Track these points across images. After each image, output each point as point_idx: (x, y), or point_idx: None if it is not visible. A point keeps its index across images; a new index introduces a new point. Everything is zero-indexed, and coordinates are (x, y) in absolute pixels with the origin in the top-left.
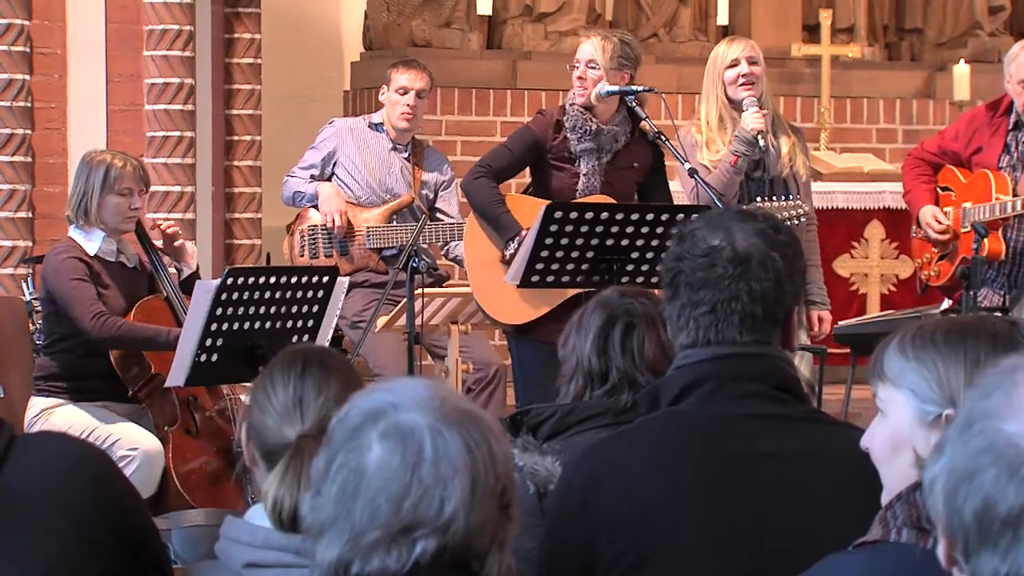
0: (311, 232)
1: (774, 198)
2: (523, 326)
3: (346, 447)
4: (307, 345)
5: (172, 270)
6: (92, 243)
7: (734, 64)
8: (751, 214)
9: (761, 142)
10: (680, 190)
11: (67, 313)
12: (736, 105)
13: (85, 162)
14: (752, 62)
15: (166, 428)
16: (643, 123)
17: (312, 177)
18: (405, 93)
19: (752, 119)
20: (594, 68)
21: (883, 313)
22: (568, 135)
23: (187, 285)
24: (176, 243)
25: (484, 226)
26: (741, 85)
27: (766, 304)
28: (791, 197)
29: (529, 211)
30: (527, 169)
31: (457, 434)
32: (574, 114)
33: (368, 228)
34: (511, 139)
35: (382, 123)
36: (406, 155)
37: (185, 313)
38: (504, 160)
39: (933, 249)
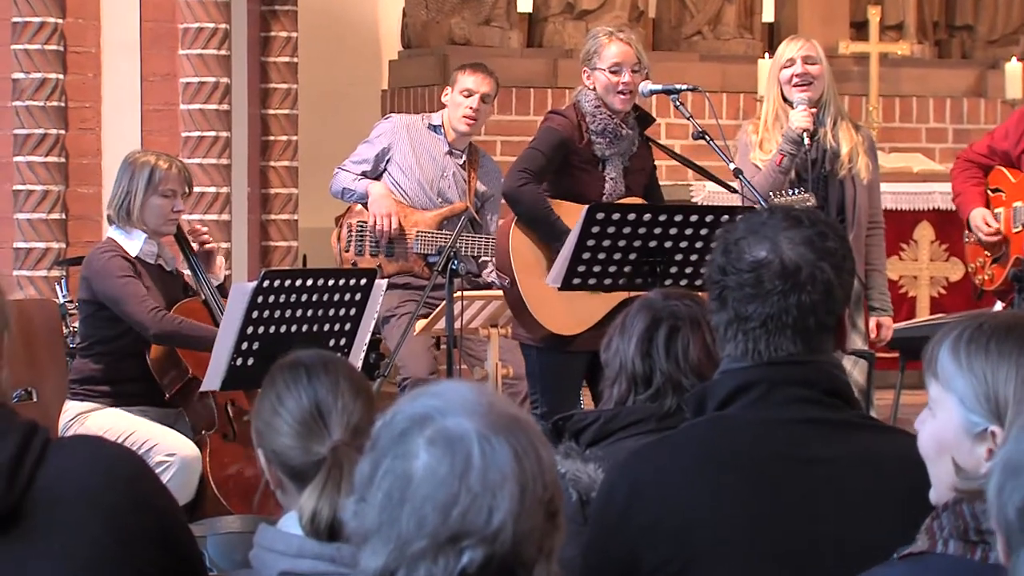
0: (359, 228)
1: (783, 192)
2: (565, 337)
3: (392, 452)
4: (299, 354)
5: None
6: (133, 243)
7: (790, 63)
8: (797, 218)
9: (807, 141)
10: (720, 191)
11: (121, 310)
12: (791, 105)
13: (128, 162)
14: (809, 62)
15: (203, 432)
16: (653, 120)
17: (363, 173)
18: (469, 96)
19: (799, 118)
20: (638, 71)
21: (933, 317)
22: (594, 139)
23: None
24: (208, 246)
25: (531, 234)
26: (795, 85)
27: (817, 315)
28: (798, 190)
29: (571, 215)
30: None
31: (505, 441)
32: (602, 118)
33: (417, 232)
34: (539, 141)
35: (441, 124)
36: (461, 161)
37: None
38: (540, 163)
39: (986, 253)
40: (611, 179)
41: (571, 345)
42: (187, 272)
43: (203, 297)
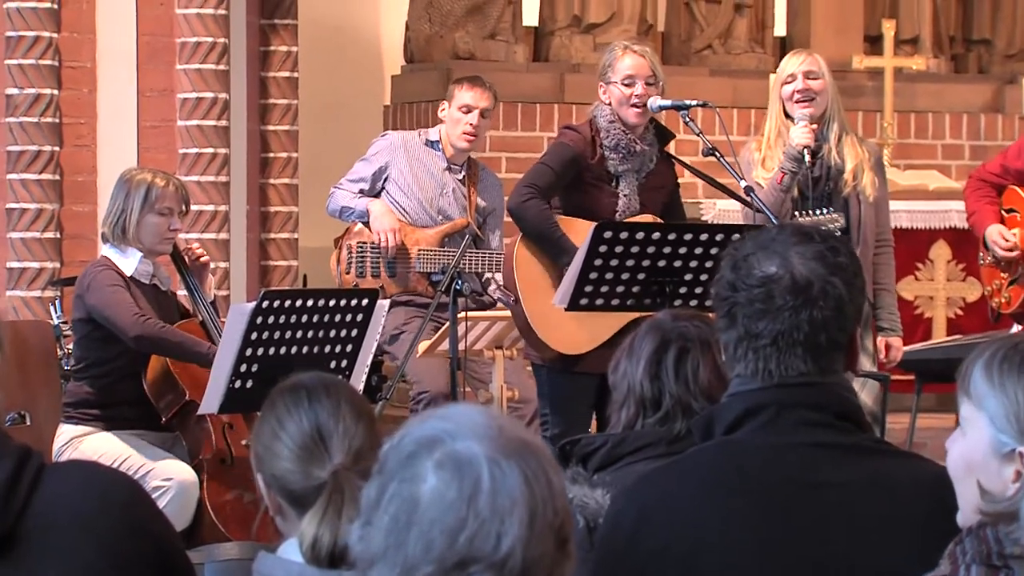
0: (360, 248)
1: (809, 212)
2: (572, 357)
3: (400, 476)
4: (300, 377)
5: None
6: (128, 262)
7: (791, 79)
8: (807, 234)
9: (808, 158)
10: (735, 208)
11: (105, 316)
12: (794, 121)
13: (124, 180)
14: (811, 76)
15: (200, 457)
16: (672, 137)
17: (361, 192)
18: (468, 111)
19: (799, 134)
20: (652, 84)
21: (950, 338)
22: (607, 154)
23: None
24: (203, 259)
25: (536, 251)
26: (797, 101)
27: (829, 332)
28: (829, 210)
29: (579, 233)
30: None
31: (515, 465)
32: (616, 133)
33: (419, 251)
34: (550, 156)
35: (439, 140)
36: (461, 176)
37: (220, 337)
38: (549, 179)
39: (1002, 275)
40: (624, 196)
41: (578, 366)
42: (183, 293)
43: (200, 318)
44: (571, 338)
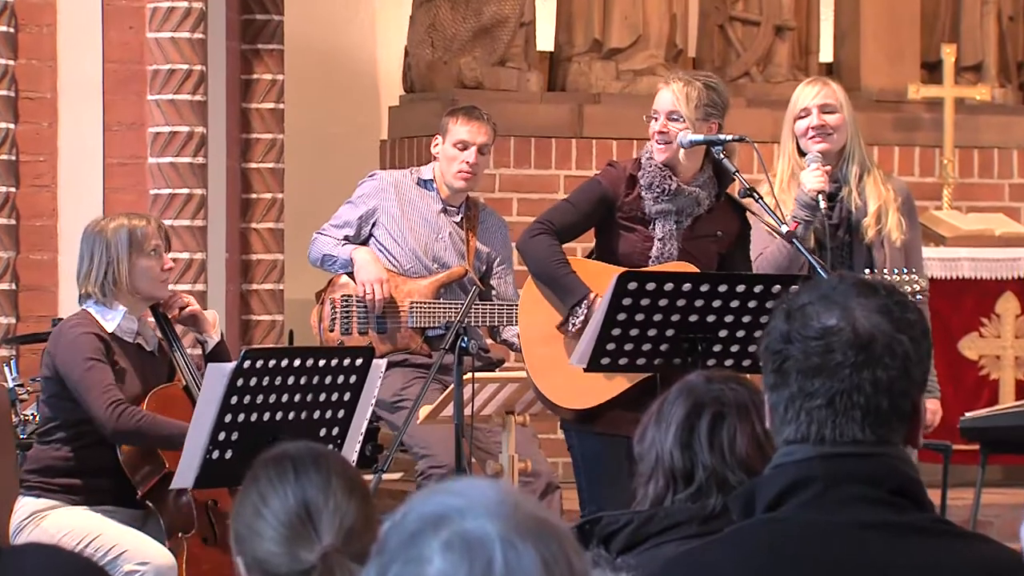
0: (344, 303)
1: (885, 271)
2: (586, 413)
3: (403, 557)
4: (285, 447)
5: (194, 350)
6: (111, 320)
7: (804, 113)
8: (871, 286)
9: (823, 204)
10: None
11: (80, 398)
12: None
13: (94, 232)
14: (827, 110)
15: (179, 535)
16: (733, 179)
17: (346, 238)
18: (465, 148)
19: (811, 179)
20: (676, 120)
21: (1019, 403)
22: (643, 193)
23: (217, 357)
24: (191, 308)
25: (545, 293)
26: (811, 138)
27: (892, 396)
28: (905, 270)
29: (597, 277)
30: (592, 230)
31: (532, 547)
32: (651, 170)
33: (411, 304)
34: (576, 193)
35: (432, 179)
36: (458, 219)
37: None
38: (568, 217)
39: None
40: (659, 240)
41: (601, 426)
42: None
43: (184, 383)
44: (575, 391)
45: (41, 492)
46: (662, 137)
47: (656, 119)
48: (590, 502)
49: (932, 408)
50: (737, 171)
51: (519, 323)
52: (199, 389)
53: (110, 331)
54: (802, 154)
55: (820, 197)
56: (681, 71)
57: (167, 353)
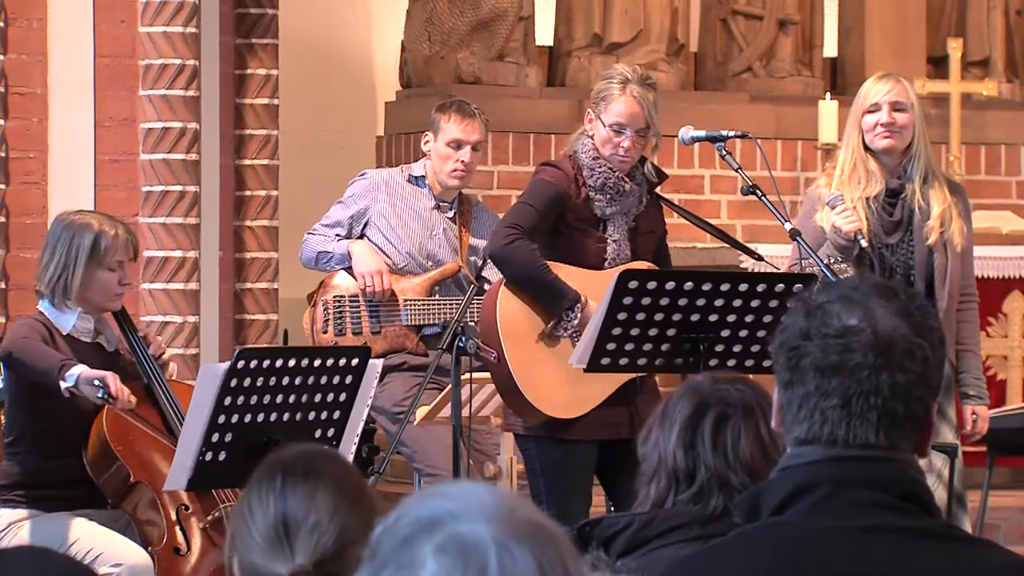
0: (337, 304)
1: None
2: (562, 423)
3: (395, 561)
4: (287, 451)
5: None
6: (65, 319)
7: (875, 108)
8: (892, 289)
9: (863, 242)
10: (776, 255)
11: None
12: (875, 156)
13: (64, 225)
14: (898, 108)
15: (149, 549)
16: (665, 175)
17: (337, 237)
18: (459, 147)
19: (844, 221)
20: (644, 136)
21: None
22: (592, 195)
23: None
24: (163, 359)
25: (525, 298)
26: (879, 135)
27: (908, 401)
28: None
29: (571, 280)
30: None
31: (528, 551)
32: (601, 171)
33: (405, 301)
34: (531, 195)
35: (424, 176)
36: (451, 215)
37: (171, 405)
38: (533, 220)
39: None
40: (614, 242)
41: (569, 432)
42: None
43: (145, 381)
44: (563, 400)
45: (16, 504)
46: (627, 153)
47: (620, 133)
48: (548, 509)
49: (982, 414)
50: (740, 168)
51: (500, 331)
52: (161, 388)
53: (66, 332)
54: (867, 150)
55: (859, 235)
56: (639, 64)
57: (128, 353)
